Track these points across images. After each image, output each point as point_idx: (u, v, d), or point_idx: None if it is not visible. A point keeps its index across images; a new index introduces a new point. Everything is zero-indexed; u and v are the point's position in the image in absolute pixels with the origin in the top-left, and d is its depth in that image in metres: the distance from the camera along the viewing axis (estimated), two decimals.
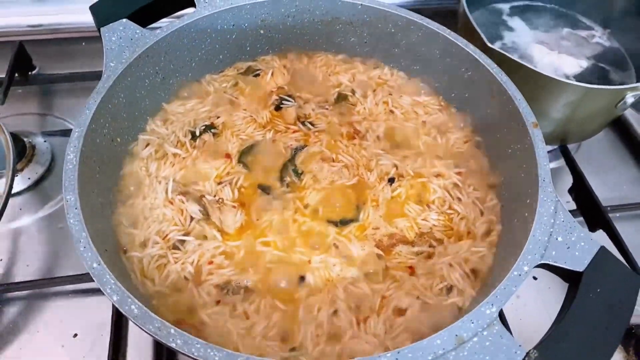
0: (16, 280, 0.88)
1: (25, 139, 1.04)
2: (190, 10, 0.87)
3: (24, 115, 1.13)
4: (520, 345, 0.53)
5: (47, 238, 0.94)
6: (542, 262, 0.60)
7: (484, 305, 0.56)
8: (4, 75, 1.09)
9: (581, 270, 0.59)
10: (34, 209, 0.98)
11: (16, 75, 1.13)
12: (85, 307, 0.86)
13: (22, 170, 1.01)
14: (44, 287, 0.87)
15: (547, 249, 0.61)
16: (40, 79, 1.20)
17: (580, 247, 0.61)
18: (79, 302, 0.86)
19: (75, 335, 0.83)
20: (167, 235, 0.73)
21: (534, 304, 0.92)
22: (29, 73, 1.19)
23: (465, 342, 0.54)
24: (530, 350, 0.53)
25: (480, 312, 0.56)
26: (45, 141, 1.06)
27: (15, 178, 0.99)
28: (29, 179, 1.01)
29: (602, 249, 0.60)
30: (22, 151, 1.02)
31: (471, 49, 0.83)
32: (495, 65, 0.81)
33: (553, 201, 0.65)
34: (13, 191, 0.97)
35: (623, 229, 0.96)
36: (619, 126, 1.22)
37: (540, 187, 0.66)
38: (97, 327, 0.83)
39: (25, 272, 0.89)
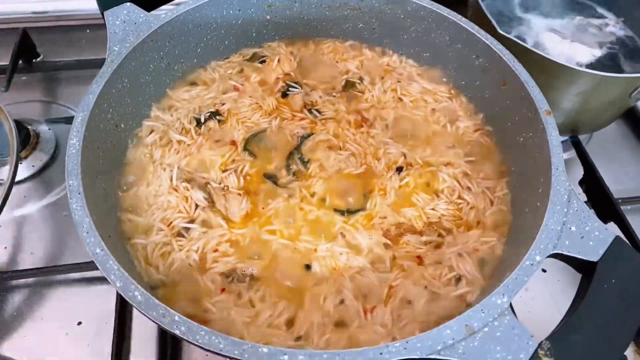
0: (20, 268, 0.87)
1: (29, 127, 1.03)
2: None
3: (28, 102, 1.12)
4: (532, 336, 0.52)
5: (51, 226, 0.93)
6: (555, 251, 0.59)
7: (495, 295, 0.55)
8: (7, 63, 1.08)
9: (595, 261, 0.57)
10: (39, 196, 0.97)
11: (20, 62, 1.12)
12: (90, 295, 0.85)
13: (26, 158, 1.00)
14: (48, 274, 0.86)
15: (560, 238, 0.59)
16: (45, 66, 1.19)
17: (595, 236, 0.59)
18: (83, 290, 0.86)
19: (80, 323, 0.82)
20: (171, 222, 0.73)
21: (543, 296, 0.90)
22: (33, 60, 1.18)
23: (476, 332, 0.52)
24: (542, 341, 0.52)
25: (491, 302, 0.54)
26: (49, 129, 1.05)
27: (20, 166, 0.97)
28: (33, 166, 1.00)
29: (617, 239, 0.59)
30: (26, 139, 1.01)
31: (482, 35, 0.81)
32: (508, 52, 0.79)
33: (566, 190, 0.63)
34: (17, 179, 0.96)
35: (635, 221, 0.94)
36: (631, 117, 1.19)
37: (553, 175, 0.65)
38: (102, 316, 0.82)
39: (29, 259, 0.89)
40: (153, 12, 0.81)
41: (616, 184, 1.05)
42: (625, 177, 1.10)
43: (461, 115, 0.87)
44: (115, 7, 0.79)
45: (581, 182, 1.04)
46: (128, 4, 0.80)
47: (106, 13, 0.79)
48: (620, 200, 0.99)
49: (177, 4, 0.84)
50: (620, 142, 1.18)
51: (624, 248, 0.58)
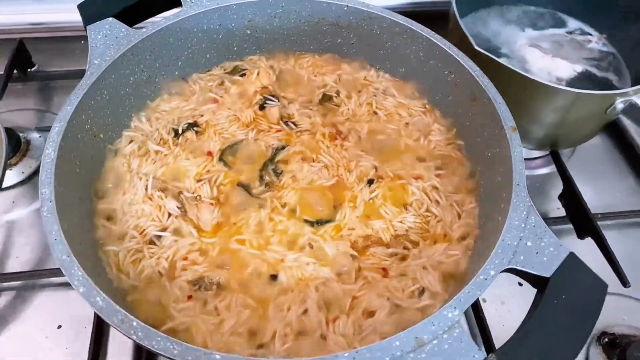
0: (5, 272, 0.89)
1: (20, 134, 1.06)
2: (177, 9, 0.88)
3: (22, 110, 1.15)
4: (479, 349, 0.53)
5: (37, 231, 0.96)
6: (509, 266, 0.60)
7: (447, 309, 0.56)
8: (2, 72, 1.11)
9: (548, 276, 0.58)
10: (27, 202, 1.00)
11: (15, 71, 1.15)
12: (71, 299, 0.87)
13: (16, 164, 1.03)
14: (32, 278, 0.88)
15: (515, 253, 0.60)
16: (39, 76, 1.22)
17: (549, 252, 0.60)
18: (64, 295, 0.88)
19: (60, 326, 0.84)
20: (144, 230, 0.74)
21: (519, 310, 0.89)
22: (28, 70, 1.21)
23: (425, 344, 0.53)
24: (489, 355, 0.52)
25: (442, 315, 0.55)
26: (40, 136, 1.08)
27: (9, 172, 1.01)
28: (22, 173, 1.03)
29: (571, 255, 0.60)
30: (17, 146, 1.04)
31: (454, 51, 0.83)
32: (477, 68, 0.80)
33: (525, 205, 0.64)
34: (6, 185, 0.99)
35: (613, 237, 0.94)
36: (615, 133, 1.19)
37: (513, 191, 0.66)
38: (81, 320, 0.84)
39: (15, 263, 0.91)
40: (135, 27, 0.84)
41: (598, 199, 1.05)
42: (607, 192, 1.10)
43: (434, 130, 0.88)
44: (97, 22, 0.82)
45: (560, 197, 1.05)
46: (110, 18, 0.83)
47: (89, 27, 0.82)
48: (599, 216, 0.99)
49: (160, 19, 0.86)
50: (604, 157, 1.18)
51: (577, 264, 0.59)
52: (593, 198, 1.02)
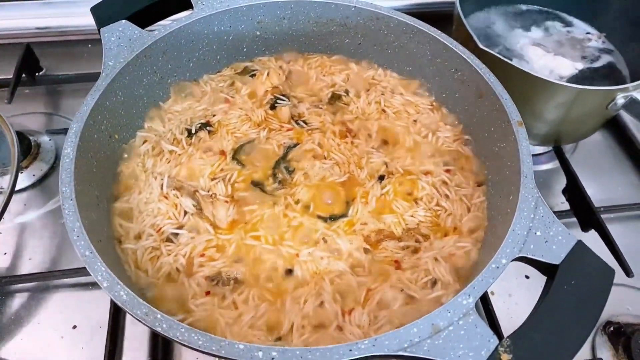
0: (19, 273, 0.91)
1: (30, 137, 1.07)
2: (189, 12, 0.90)
3: (31, 114, 1.16)
4: (494, 334, 0.55)
5: (50, 233, 0.97)
6: (520, 255, 0.61)
7: (461, 296, 0.58)
8: (11, 76, 1.12)
9: (557, 264, 0.60)
10: (38, 204, 1.01)
11: (23, 75, 1.17)
12: (85, 300, 0.88)
13: (27, 167, 1.05)
14: (46, 279, 0.90)
15: (525, 242, 0.62)
16: (47, 80, 1.24)
17: (558, 241, 0.62)
18: (79, 295, 0.89)
19: (75, 327, 0.85)
20: (161, 228, 0.76)
21: (526, 302, 0.92)
22: (36, 74, 1.23)
23: (441, 330, 0.55)
24: (503, 339, 0.54)
25: (457, 303, 0.57)
26: (50, 140, 1.10)
27: (20, 175, 1.01)
28: (33, 175, 1.04)
29: (579, 243, 0.62)
30: (28, 149, 1.05)
31: (460, 49, 0.85)
32: (484, 66, 0.82)
33: (534, 197, 0.66)
34: (18, 188, 1.00)
35: (616, 230, 0.96)
36: (616, 129, 1.22)
37: (522, 183, 0.67)
38: (96, 320, 0.85)
39: (28, 265, 0.93)
40: (147, 29, 0.86)
41: (601, 193, 1.08)
42: (609, 186, 1.13)
43: (441, 126, 0.90)
44: (111, 24, 0.84)
45: (564, 191, 1.07)
46: (123, 21, 0.84)
47: (102, 30, 0.83)
48: (602, 209, 1.01)
49: (172, 21, 0.88)
50: (606, 152, 1.20)
51: (585, 252, 0.61)
52: (596, 192, 1.04)
